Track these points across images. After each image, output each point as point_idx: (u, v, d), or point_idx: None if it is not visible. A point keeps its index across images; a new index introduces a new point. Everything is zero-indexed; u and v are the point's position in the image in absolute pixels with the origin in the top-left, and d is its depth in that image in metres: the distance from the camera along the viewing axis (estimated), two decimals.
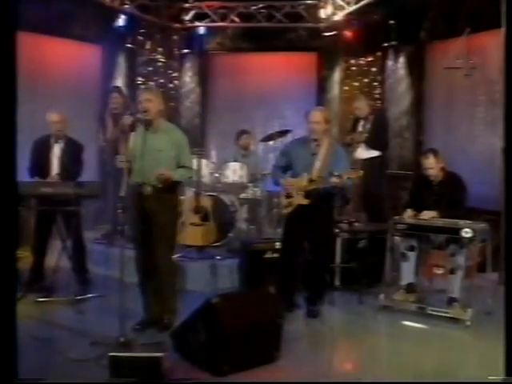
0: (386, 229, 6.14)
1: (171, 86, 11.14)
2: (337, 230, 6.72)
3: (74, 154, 6.60)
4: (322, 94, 10.81)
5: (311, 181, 5.62)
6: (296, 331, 5.30)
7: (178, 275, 5.29)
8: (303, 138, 5.92)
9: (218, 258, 6.94)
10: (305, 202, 5.62)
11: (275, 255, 6.36)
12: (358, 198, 8.56)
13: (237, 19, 10.36)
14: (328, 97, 10.76)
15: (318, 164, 5.64)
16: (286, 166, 5.92)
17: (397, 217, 6.00)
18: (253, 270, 6.52)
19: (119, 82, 10.58)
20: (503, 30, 4.92)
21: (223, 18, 10.39)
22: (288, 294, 5.86)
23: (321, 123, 5.65)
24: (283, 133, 8.18)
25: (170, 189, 5.11)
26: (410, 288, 6.00)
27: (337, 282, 6.72)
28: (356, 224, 7.00)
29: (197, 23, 10.48)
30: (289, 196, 5.74)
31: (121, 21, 9.80)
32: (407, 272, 6.02)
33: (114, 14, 9.72)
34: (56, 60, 9.59)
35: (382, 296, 5.96)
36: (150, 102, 5.03)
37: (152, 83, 10.86)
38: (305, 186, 5.64)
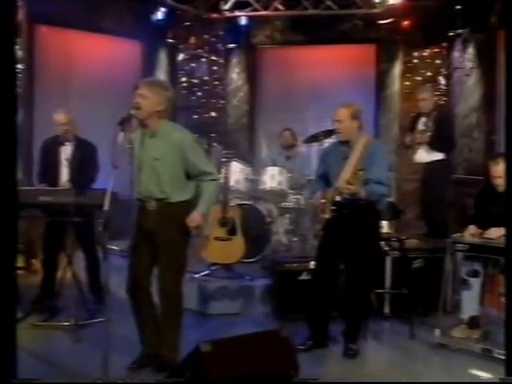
0: (445, 246, 5.08)
1: (216, 83, 10.30)
2: (386, 248, 5.67)
3: (85, 157, 5.86)
4: (381, 89, 9.75)
5: (336, 190, 4.66)
6: (327, 375, 4.33)
7: (183, 305, 4.37)
8: (339, 141, 4.95)
9: (248, 277, 6.00)
10: (327, 215, 4.70)
11: None
12: (419, 207, 7.56)
13: (281, 7, 9.36)
14: (387, 93, 9.70)
15: (347, 169, 4.65)
16: (325, 175, 4.97)
17: (457, 234, 4.93)
18: (285, 294, 5.58)
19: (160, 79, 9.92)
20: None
21: (266, 6, 9.42)
22: (319, 325, 4.89)
23: (345, 121, 4.68)
24: (329, 133, 7.12)
25: (179, 203, 4.23)
26: (472, 322, 4.90)
27: (386, 310, 5.68)
28: (410, 240, 5.91)
29: (237, 12, 9.55)
30: (322, 211, 4.78)
31: (159, 14, 9.13)
32: (469, 303, 4.92)
33: (151, 6, 9.06)
34: (88, 56, 9.02)
35: (437, 331, 4.88)
36: (145, 98, 4.12)
37: (196, 81, 10.12)
38: (331, 197, 4.69)
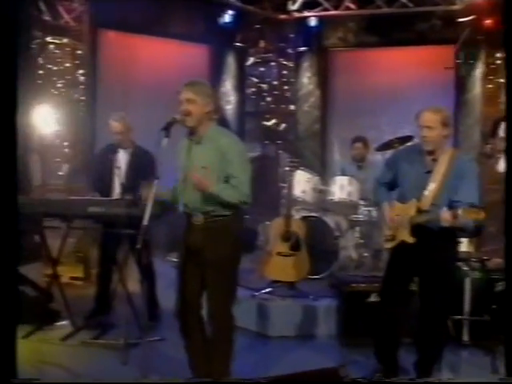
0: None
1: (286, 88, 9.93)
2: (466, 269, 5.11)
3: (142, 166, 5.52)
4: (461, 93, 9.11)
5: (420, 211, 4.09)
6: None
7: (234, 330, 3.97)
8: (417, 146, 4.38)
9: (312, 297, 5.56)
10: (410, 240, 4.12)
11: None
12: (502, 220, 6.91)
13: (352, 6, 8.87)
14: (468, 97, 9.06)
15: (432, 187, 4.08)
16: (391, 183, 4.43)
17: None
18: (351, 317, 5.14)
19: (228, 84, 9.69)
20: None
21: (337, 5, 8.96)
22: (387, 354, 4.38)
23: (435, 128, 4.04)
24: (404, 139, 6.58)
25: (228, 216, 3.81)
26: None
27: (465, 337, 5.11)
28: (492, 260, 5.33)
29: (306, 13, 9.12)
30: (393, 226, 4.25)
31: (227, 17, 8.86)
32: None
33: (218, 9, 8.83)
34: (154, 61, 8.88)
35: None
36: (192, 102, 3.74)
37: (265, 86, 9.80)
38: (411, 218, 4.11)
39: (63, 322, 5.43)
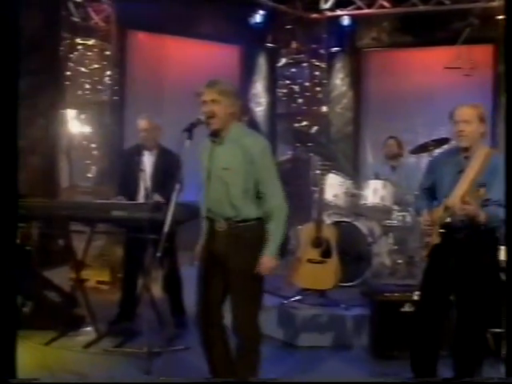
0: None
1: (318, 89, 9.75)
2: (505, 279, 4.84)
3: (168, 168, 5.36)
4: (499, 94, 8.80)
5: (446, 209, 3.89)
6: None
7: (261, 340, 3.78)
8: (454, 149, 4.16)
9: (343, 306, 5.34)
10: (435, 240, 3.94)
11: None
12: None
13: (386, 4, 8.63)
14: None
15: (461, 185, 3.87)
16: (432, 188, 4.21)
17: None
18: (384, 328, 4.87)
19: (259, 85, 9.54)
20: None
21: (370, 4, 8.74)
22: (424, 368, 4.14)
23: (473, 122, 3.83)
24: (440, 142, 6.32)
25: (253, 221, 3.63)
26: None
27: (504, 351, 4.83)
28: None
29: (339, 12, 8.92)
30: (427, 233, 4.04)
31: (258, 17, 8.71)
32: None
33: (249, 9, 8.73)
34: (184, 62, 8.79)
35: None
36: (217, 103, 3.55)
37: (296, 87, 9.62)
38: (439, 218, 3.92)
39: (88, 328, 5.29)
